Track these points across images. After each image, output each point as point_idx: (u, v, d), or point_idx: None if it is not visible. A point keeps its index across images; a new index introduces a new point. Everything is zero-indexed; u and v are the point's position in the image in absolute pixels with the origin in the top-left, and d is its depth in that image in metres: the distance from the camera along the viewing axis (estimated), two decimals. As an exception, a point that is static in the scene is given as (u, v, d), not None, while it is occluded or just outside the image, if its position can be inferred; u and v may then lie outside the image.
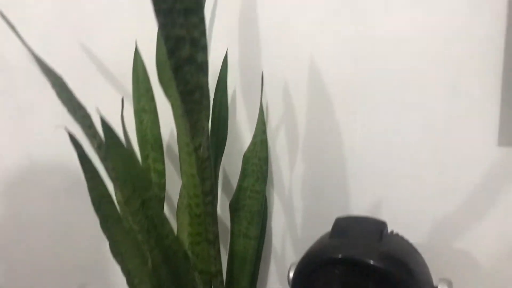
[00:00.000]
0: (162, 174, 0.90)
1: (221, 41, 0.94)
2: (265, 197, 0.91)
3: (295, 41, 0.89)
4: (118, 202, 0.80)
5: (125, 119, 0.97)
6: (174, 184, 1.05)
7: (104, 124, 0.59)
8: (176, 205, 0.98)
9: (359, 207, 0.92)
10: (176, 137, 1.02)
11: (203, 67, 0.52)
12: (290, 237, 1.00)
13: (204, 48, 0.50)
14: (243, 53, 0.93)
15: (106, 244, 0.81)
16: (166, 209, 1.09)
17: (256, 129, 0.85)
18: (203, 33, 0.49)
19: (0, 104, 1.17)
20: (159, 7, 0.45)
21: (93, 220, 0.80)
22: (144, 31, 0.92)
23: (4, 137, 1.19)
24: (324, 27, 0.86)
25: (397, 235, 0.77)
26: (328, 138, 0.91)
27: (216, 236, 0.73)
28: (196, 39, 0.49)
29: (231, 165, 1.00)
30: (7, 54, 1.12)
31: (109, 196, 0.77)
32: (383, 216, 0.90)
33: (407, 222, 0.89)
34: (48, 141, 1.15)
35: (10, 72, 1.13)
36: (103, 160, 0.65)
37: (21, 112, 1.16)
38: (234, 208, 0.86)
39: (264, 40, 0.91)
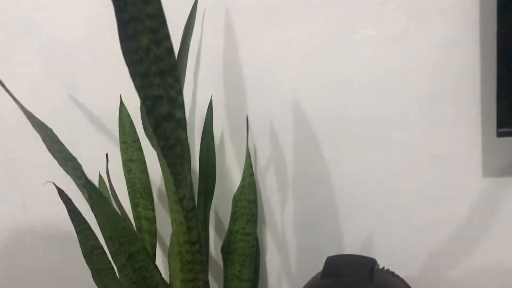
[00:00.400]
0: (152, 221, 0.91)
1: (206, 85, 0.96)
2: (257, 239, 0.92)
3: (279, 84, 0.91)
4: (110, 253, 0.81)
5: (115, 167, 0.99)
6: (169, 228, 1.06)
7: (88, 182, 0.60)
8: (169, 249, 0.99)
9: (351, 242, 0.93)
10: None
11: (182, 123, 0.53)
12: (285, 276, 1.00)
13: (181, 106, 0.52)
14: (228, 97, 0.95)
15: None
16: (161, 255, 1.09)
17: (244, 172, 0.86)
18: (179, 92, 0.51)
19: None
20: (135, 70, 0.47)
21: (88, 270, 0.81)
22: (129, 83, 0.94)
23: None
24: (306, 68, 0.89)
25: (387, 271, 0.78)
26: (317, 176, 0.92)
27: (206, 283, 0.73)
28: (173, 98, 0.51)
29: (224, 207, 1.01)
30: (-1, 108, 1.14)
31: (101, 247, 0.77)
32: (375, 250, 0.91)
33: (399, 256, 0.89)
34: (41, 192, 1.16)
35: (2, 126, 1.15)
36: (93, 208, 0.66)
37: (14, 165, 1.17)
38: (226, 251, 0.87)
39: (248, 83, 0.93)
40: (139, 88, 0.48)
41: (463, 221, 0.84)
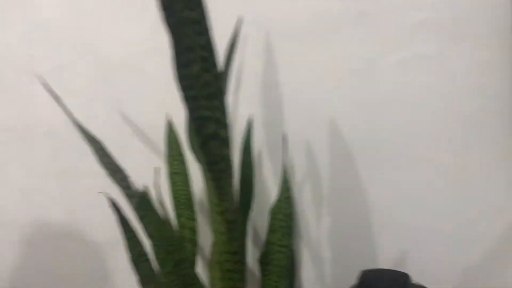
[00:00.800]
0: (194, 230, 0.96)
1: (246, 104, 1.01)
2: (293, 251, 0.95)
3: (315, 103, 0.95)
4: (155, 259, 0.86)
5: (160, 179, 1.04)
6: (208, 238, 1.10)
7: (140, 194, 0.65)
8: (209, 258, 1.03)
9: (385, 257, 0.95)
10: (204, 196, 1.08)
11: (226, 142, 0.58)
12: (320, 289, 1.03)
13: (226, 126, 0.57)
14: (267, 115, 1.00)
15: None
16: (200, 263, 1.14)
17: (281, 187, 0.90)
18: (224, 113, 0.55)
19: (46, 168, 1.26)
20: (187, 94, 0.52)
21: (130, 277, 0.85)
22: (174, 101, 1.00)
23: (50, 197, 1.28)
24: (342, 89, 0.92)
25: (421, 286, 0.79)
26: (351, 193, 0.95)
27: (246, 292, 0.77)
28: (220, 119, 0.56)
29: (260, 220, 1.05)
30: (53, 122, 1.22)
31: (146, 254, 0.83)
32: (408, 266, 0.92)
33: (433, 273, 0.91)
34: (90, 200, 1.23)
35: (55, 138, 1.23)
36: (140, 219, 0.72)
37: (64, 174, 1.25)
38: (263, 262, 0.90)
39: (286, 102, 0.97)
40: (190, 110, 0.53)
41: (496, 239, 0.85)
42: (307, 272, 1.03)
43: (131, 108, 1.13)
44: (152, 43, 1.07)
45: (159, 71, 1.08)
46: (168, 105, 1.06)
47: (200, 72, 0.52)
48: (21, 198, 1.31)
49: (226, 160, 0.60)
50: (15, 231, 1.33)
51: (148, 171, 1.09)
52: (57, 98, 0.81)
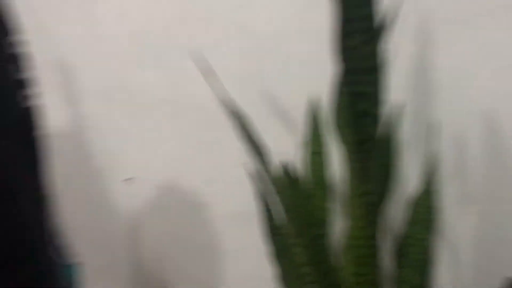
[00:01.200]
0: (327, 212, 0.95)
1: (394, 88, 0.96)
2: (431, 247, 0.90)
3: (472, 93, 0.88)
4: (287, 235, 0.87)
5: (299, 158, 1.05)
6: (336, 222, 1.09)
7: (285, 167, 0.66)
8: (336, 243, 1.02)
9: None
10: (339, 178, 1.07)
11: (377, 120, 0.56)
12: (455, 292, 0.96)
13: (379, 103, 0.55)
14: (415, 101, 0.95)
15: (266, 273, 0.88)
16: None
17: (425, 178, 0.85)
18: (381, 89, 0.54)
19: (189, 138, 1.35)
20: (347, 66, 0.52)
21: (256, 249, 0.88)
22: (318, 80, 0.99)
23: (189, 166, 1.37)
24: (502, 79, 0.84)
25: None
26: (503, 193, 0.87)
27: (380, 278, 0.74)
28: (374, 95, 0.54)
29: (395, 210, 1.01)
30: (199, 96, 1.29)
31: (279, 228, 0.84)
32: None
33: None
34: (226, 173, 1.29)
35: (201, 111, 1.30)
36: (277, 193, 0.73)
37: (206, 147, 1.32)
38: (399, 254, 0.87)
39: (438, 90, 0.91)
40: (346, 83, 0.53)
41: None
42: (442, 270, 0.97)
43: (275, 87, 1.15)
44: (300, 23, 1.08)
45: (305, 52, 1.09)
46: (311, 86, 1.06)
47: (359, 44, 0.50)
48: (162, 163, 1.42)
49: (373, 140, 0.59)
50: (151, 192, 1.44)
51: (288, 149, 1.11)
52: (209, 74, 0.85)
